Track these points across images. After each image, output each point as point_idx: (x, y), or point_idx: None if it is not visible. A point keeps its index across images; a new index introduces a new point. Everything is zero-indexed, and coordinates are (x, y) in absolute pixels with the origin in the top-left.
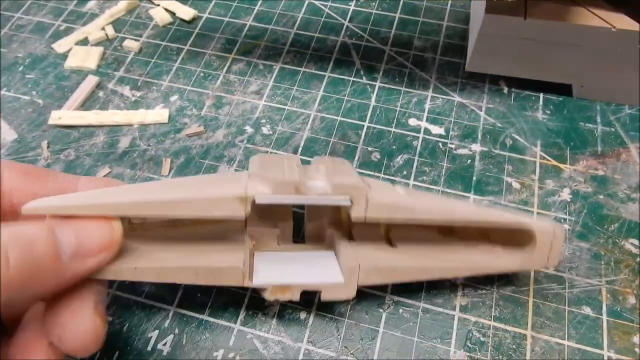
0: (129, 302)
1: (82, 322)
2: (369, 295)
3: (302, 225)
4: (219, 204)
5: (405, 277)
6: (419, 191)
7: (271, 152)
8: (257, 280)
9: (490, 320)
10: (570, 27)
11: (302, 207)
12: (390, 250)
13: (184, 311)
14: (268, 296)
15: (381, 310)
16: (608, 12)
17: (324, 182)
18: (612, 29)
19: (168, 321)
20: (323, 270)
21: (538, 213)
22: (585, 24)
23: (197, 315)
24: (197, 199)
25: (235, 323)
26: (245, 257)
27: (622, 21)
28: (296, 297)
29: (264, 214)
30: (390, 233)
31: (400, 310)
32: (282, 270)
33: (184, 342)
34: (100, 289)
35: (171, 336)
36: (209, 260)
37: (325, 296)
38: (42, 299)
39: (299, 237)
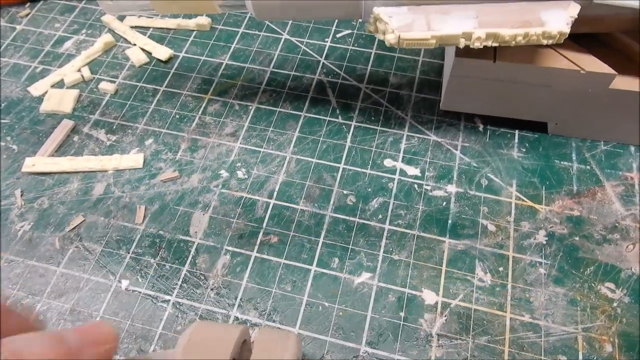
0: None
1: None
2: (343, 348)
3: None
4: None
5: None
6: None
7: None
8: None
9: None
10: (539, 70)
11: None
12: None
13: None
14: None
15: None
16: (578, 54)
17: None
18: (581, 71)
19: None
20: None
21: (513, 257)
22: (554, 66)
23: None
24: None
25: None
26: None
27: (591, 63)
28: None
29: None
30: None
31: None
32: None
33: None
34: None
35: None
36: None
37: None
38: None
39: None
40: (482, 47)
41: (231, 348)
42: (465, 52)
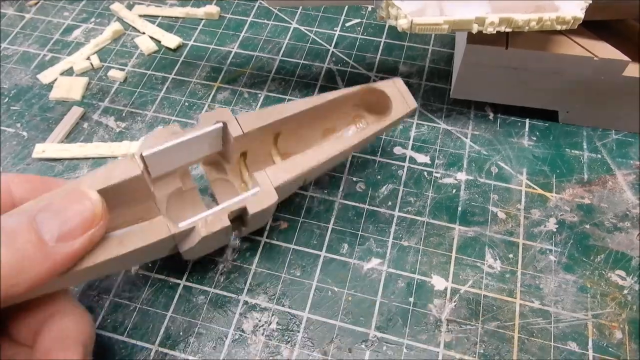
0: (110, 340)
1: None
2: (352, 332)
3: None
4: (114, 169)
5: (306, 165)
6: None
7: None
8: (183, 224)
9: (475, 357)
10: (552, 57)
11: None
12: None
13: (166, 350)
14: (203, 233)
15: (365, 347)
16: (590, 41)
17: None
18: (595, 58)
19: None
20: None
21: (524, 244)
22: (567, 53)
23: (179, 354)
24: (94, 173)
25: None
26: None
27: (604, 50)
28: (226, 221)
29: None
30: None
31: (384, 347)
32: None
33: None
34: (90, 335)
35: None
36: (130, 227)
37: (252, 209)
38: (40, 287)
39: None
40: (495, 32)
41: None
42: (478, 39)
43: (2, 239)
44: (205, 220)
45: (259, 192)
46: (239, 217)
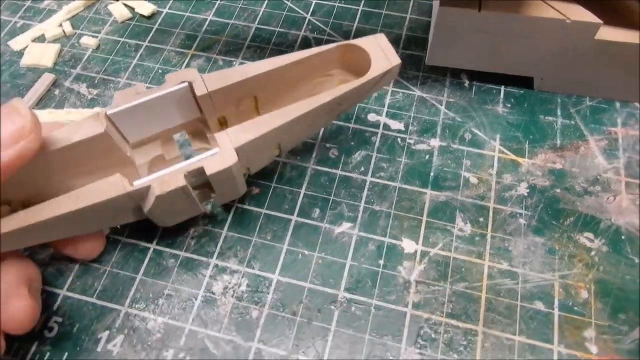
0: (79, 302)
1: (18, 304)
2: (321, 294)
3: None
4: (79, 126)
5: (272, 124)
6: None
7: None
8: (137, 182)
9: (443, 316)
10: (525, 19)
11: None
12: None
13: (135, 311)
14: (157, 192)
15: (333, 307)
16: (564, 4)
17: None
18: (567, 20)
19: (119, 321)
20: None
21: (494, 208)
22: (539, 15)
23: (149, 315)
24: (58, 132)
25: (187, 323)
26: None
27: (577, 12)
28: (182, 181)
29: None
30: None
31: (353, 308)
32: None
33: (134, 343)
34: (33, 276)
35: (121, 336)
36: (87, 185)
37: (210, 169)
38: None
39: None
40: None
41: None
42: (451, 1)
43: None
44: (162, 180)
45: (217, 152)
46: (207, 184)
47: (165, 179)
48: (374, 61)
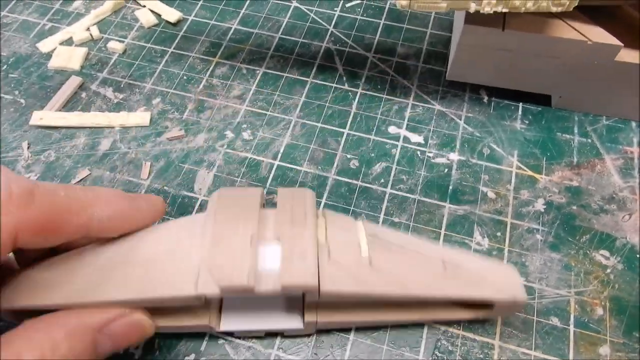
0: None
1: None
2: None
3: None
4: (171, 299)
5: (364, 317)
6: (384, 238)
7: (238, 183)
8: (225, 326)
9: (460, 329)
10: (547, 40)
11: None
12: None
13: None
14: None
15: None
16: (585, 25)
17: (272, 285)
18: (588, 42)
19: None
20: (285, 313)
21: (511, 223)
22: (561, 36)
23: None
24: (149, 299)
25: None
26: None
27: (598, 34)
28: (261, 334)
29: None
30: None
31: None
32: (247, 316)
33: (155, 347)
34: None
35: (143, 341)
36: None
37: (288, 333)
38: None
39: None
40: (492, 12)
41: (258, 200)
42: (475, 20)
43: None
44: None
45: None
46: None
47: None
48: (496, 312)
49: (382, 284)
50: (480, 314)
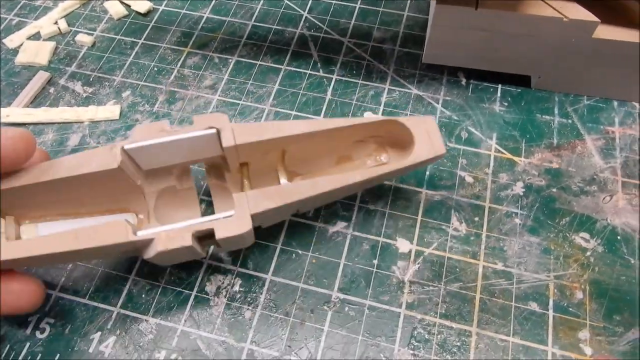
0: (72, 303)
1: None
2: (315, 294)
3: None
4: (90, 158)
5: (296, 195)
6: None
7: None
8: (142, 232)
9: (436, 317)
10: (522, 18)
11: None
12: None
13: (128, 312)
14: (157, 247)
15: (327, 308)
16: (561, 2)
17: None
18: (564, 19)
19: (111, 322)
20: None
21: (490, 207)
22: (536, 14)
23: (141, 316)
24: (70, 159)
25: (179, 324)
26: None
27: (575, 11)
28: (187, 241)
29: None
30: (289, 175)
31: (346, 309)
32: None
33: (126, 344)
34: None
35: (113, 337)
36: (90, 223)
37: (220, 234)
38: None
39: None
40: None
41: None
42: (447, 0)
43: None
44: (167, 236)
45: (232, 216)
46: (211, 235)
47: (170, 234)
48: (417, 146)
49: (292, 125)
50: (408, 156)
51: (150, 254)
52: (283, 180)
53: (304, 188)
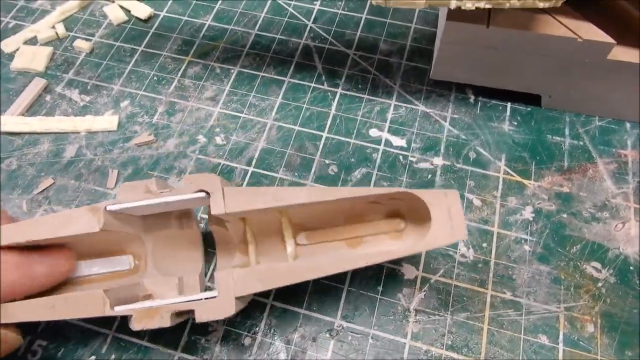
0: (65, 325)
1: None
2: (317, 321)
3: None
4: (72, 220)
5: (291, 278)
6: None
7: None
8: (119, 308)
9: (443, 348)
10: (535, 37)
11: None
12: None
13: (122, 336)
14: (134, 325)
15: (329, 336)
16: (575, 21)
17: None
18: (579, 39)
19: (106, 346)
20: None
21: (498, 233)
22: (550, 33)
23: (136, 340)
24: (51, 219)
25: (177, 350)
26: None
27: (589, 31)
28: (166, 322)
29: None
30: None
31: (350, 337)
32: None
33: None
34: None
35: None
36: (67, 292)
37: (201, 317)
38: None
39: None
40: (474, 8)
41: None
42: (458, 16)
43: None
44: (146, 312)
45: (216, 298)
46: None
47: (150, 313)
48: (434, 227)
49: (287, 192)
50: (424, 236)
51: (132, 327)
52: (289, 240)
53: (299, 272)
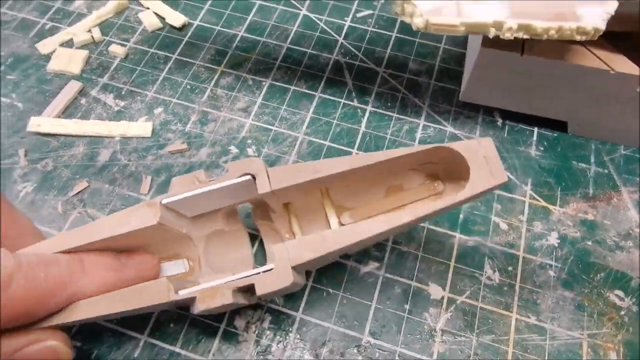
0: (99, 328)
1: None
2: (345, 336)
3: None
4: (131, 215)
5: (339, 243)
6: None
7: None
8: (183, 292)
9: None
10: (568, 67)
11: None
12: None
13: (155, 341)
14: (197, 307)
15: (357, 352)
16: (608, 53)
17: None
18: (611, 71)
19: (138, 351)
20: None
21: (524, 257)
22: (583, 64)
23: (168, 346)
24: (109, 219)
25: (207, 355)
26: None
27: (621, 63)
28: (228, 298)
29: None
30: (337, 210)
31: (377, 354)
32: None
33: None
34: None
35: None
36: (132, 287)
37: (261, 290)
38: None
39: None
40: (512, 38)
41: None
42: (492, 43)
43: None
44: (209, 294)
45: (273, 270)
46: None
47: (212, 292)
48: (474, 174)
49: (329, 164)
50: (465, 187)
51: (194, 311)
52: (332, 219)
53: (347, 235)
